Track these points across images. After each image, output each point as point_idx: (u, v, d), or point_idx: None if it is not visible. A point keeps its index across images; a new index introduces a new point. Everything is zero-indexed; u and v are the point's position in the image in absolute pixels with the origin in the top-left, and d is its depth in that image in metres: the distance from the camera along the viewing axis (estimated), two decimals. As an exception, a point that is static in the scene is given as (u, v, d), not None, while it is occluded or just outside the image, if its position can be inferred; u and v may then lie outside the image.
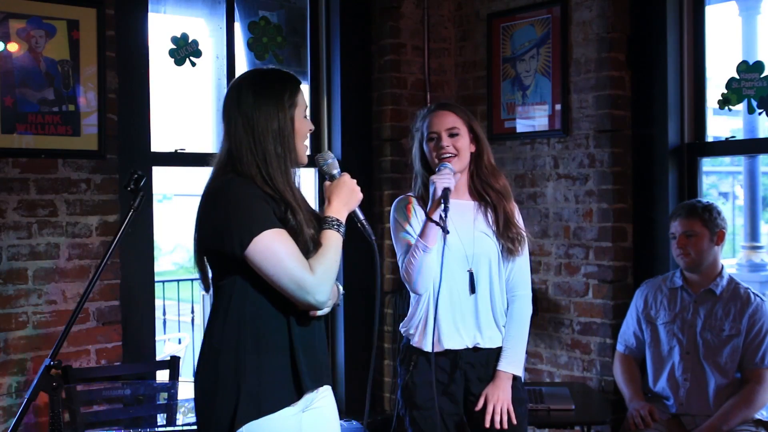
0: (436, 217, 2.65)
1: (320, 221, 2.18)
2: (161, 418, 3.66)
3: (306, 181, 4.61)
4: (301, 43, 4.57)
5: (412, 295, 2.84)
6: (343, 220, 2.18)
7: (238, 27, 4.25)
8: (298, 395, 2.13)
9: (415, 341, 2.80)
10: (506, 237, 2.76)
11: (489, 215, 2.80)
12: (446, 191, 2.66)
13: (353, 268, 4.36)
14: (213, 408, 2.10)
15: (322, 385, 2.24)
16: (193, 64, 4.02)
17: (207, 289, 2.24)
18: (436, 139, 2.78)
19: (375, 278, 2.28)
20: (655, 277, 3.56)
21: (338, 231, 2.15)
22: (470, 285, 2.75)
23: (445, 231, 2.61)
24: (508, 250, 2.77)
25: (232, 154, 2.14)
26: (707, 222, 3.29)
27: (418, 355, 2.79)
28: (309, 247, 2.10)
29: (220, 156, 2.18)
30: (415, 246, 2.70)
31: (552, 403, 3.39)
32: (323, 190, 2.25)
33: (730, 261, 8.44)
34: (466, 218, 2.79)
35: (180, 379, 3.73)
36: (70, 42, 3.52)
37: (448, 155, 2.75)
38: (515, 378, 2.79)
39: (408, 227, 2.78)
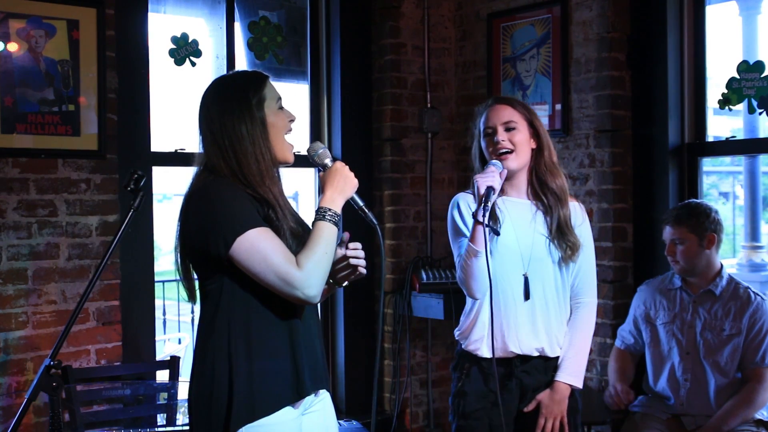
0: (479, 218, 2.48)
1: (302, 223, 2.14)
2: (161, 418, 3.66)
3: (307, 182, 4.61)
4: (301, 43, 4.56)
5: (467, 298, 2.71)
6: (338, 209, 2.10)
7: (238, 27, 4.24)
8: (299, 396, 2.10)
9: (467, 346, 2.69)
10: (559, 244, 2.62)
11: (547, 218, 2.65)
12: (489, 190, 2.47)
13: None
14: (208, 414, 2.07)
15: (321, 388, 2.21)
16: (193, 64, 4.01)
17: (192, 299, 2.19)
18: (491, 134, 2.63)
19: (380, 264, 2.21)
20: (654, 277, 3.56)
21: (331, 221, 2.07)
22: (525, 290, 2.60)
23: (495, 233, 2.45)
24: (562, 258, 2.63)
25: (208, 162, 2.12)
26: (694, 227, 3.26)
27: (472, 364, 2.67)
28: (293, 247, 2.05)
29: (198, 163, 2.15)
30: (467, 251, 2.54)
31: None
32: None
33: (731, 261, 8.44)
34: (524, 218, 2.64)
35: (180, 379, 3.73)
36: (70, 42, 3.52)
37: (504, 150, 2.60)
38: (573, 390, 2.66)
39: (462, 226, 2.65)
